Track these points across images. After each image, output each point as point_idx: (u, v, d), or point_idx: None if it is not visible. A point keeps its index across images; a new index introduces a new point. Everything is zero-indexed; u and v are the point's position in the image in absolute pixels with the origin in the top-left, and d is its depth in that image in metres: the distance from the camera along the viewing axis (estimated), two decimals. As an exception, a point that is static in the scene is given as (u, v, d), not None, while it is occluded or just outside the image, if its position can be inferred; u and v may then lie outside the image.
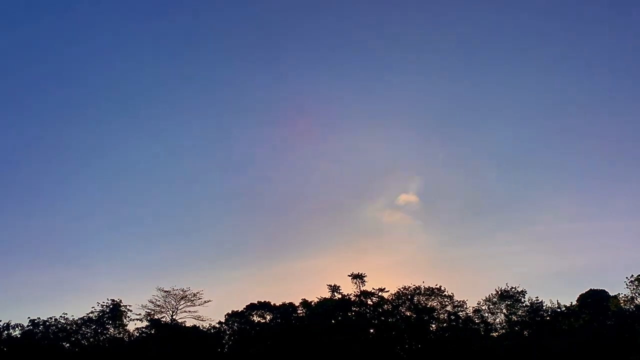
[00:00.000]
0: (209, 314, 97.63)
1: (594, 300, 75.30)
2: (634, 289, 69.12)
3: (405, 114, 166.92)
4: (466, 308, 79.69)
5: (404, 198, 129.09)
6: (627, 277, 70.12)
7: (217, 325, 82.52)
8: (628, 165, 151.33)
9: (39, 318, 60.31)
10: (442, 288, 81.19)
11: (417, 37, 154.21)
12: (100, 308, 70.88)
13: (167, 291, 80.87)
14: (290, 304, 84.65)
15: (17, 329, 53.82)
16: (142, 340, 70.74)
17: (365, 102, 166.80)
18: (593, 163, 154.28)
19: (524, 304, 77.75)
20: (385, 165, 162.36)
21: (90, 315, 69.99)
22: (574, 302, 78.10)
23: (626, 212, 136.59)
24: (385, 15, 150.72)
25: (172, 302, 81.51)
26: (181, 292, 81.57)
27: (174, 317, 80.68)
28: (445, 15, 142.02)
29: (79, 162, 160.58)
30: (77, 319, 69.60)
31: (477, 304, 79.73)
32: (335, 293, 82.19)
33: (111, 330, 70.48)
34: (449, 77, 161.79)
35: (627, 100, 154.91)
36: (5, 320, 57.27)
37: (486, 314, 79.04)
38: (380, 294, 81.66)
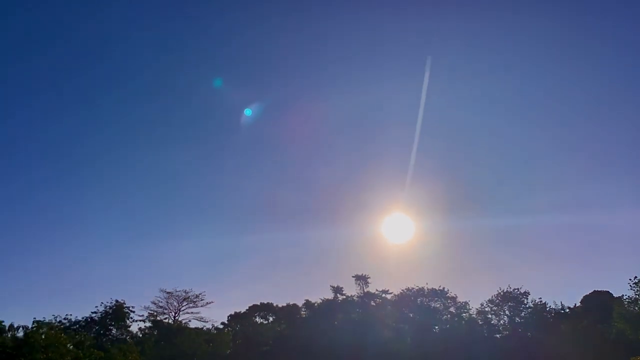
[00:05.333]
0: (212, 315, 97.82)
1: (598, 302, 75.15)
2: (638, 290, 68.63)
3: (408, 116, 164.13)
4: (469, 309, 79.68)
5: (405, 198, 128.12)
6: (630, 279, 69.71)
7: (220, 327, 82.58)
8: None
9: (43, 319, 60.49)
10: (446, 289, 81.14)
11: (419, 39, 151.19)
12: (104, 309, 71.04)
13: (169, 292, 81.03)
14: (294, 305, 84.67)
15: (20, 330, 53.88)
16: (144, 341, 70.57)
17: (372, 102, 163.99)
18: (597, 160, 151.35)
19: (527, 306, 77.66)
20: (387, 165, 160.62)
21: (94, 316, 70.21)
22: (578, 304, 78.04)
23: (630, 212, 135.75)
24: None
25: (175, 303, 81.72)
26: (184, 293, 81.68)
27: (176, 318, 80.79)
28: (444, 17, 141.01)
29: (80, 161, 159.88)
30: (80, 319, 69.81)
31: (481, 305, 79.67)
32: (338, 294, 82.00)
33: (114, 331, 70.53)
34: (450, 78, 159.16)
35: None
36: (9, 321, 57.35)
37: (489, 316, 78.98)
38: (383, 295, 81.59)
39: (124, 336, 71.27)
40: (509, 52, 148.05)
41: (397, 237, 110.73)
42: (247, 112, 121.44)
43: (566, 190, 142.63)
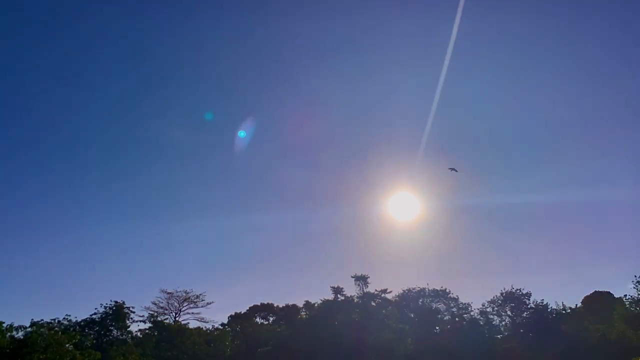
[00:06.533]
0: (212, 315, 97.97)
1: (599, 302, 74.91)
2: (640, 290, 68.32)
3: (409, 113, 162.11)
4: (471, 310, 79.56)
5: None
6: (635, 276, 69.33)
7: (220, 327, 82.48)
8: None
9: (42, 320, 60.61)
10: (447, 290, 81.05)
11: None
12: (103, 310, 70.73)
13: (170, 292, 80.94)
14: (294, 305, 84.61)
15: (19, 330, 53.68)
16: (145, 342, 70.51)
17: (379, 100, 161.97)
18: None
19: (529, 306, 77.54)
20: (389, 162, 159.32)
21: (94, 317, 69.91)
22: (579, 304, 77.80)
23: (632, 211, 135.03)
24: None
25: (175, 303, 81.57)
26: (184, 294, 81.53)
27: (177, 318, 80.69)
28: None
29: (80, 162, 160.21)
30: (80, 320, 69.59)
31: (482, 305, 79.61)
32: (338, 295, 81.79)
33: (114, 332, 70.31)
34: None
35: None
36: (8, 322, 57.32)
37: (491, 316, 78.89)
38: (383, 295, 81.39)
39: (124, 337, 71.06)
40: (522, 32, 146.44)
41: (403, 217, 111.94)
42: (241, 133, 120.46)
43: (572, 167, 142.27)
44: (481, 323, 78.41)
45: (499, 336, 77.84)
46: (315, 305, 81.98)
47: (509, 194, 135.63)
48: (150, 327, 74.82)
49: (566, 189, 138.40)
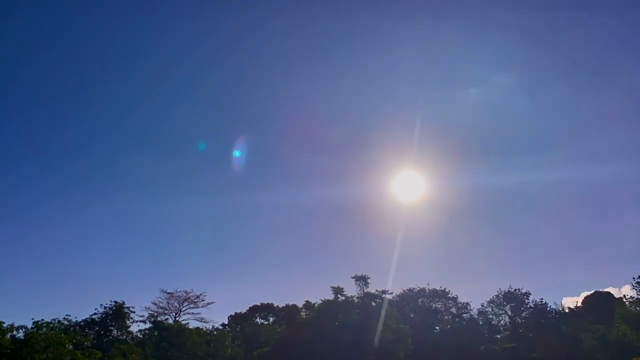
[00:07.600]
0: (212, 315, 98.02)
1: (599, 302, 75.06)
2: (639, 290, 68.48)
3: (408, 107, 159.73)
4: (470, 310, 79.67)
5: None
6: (633, 279, 69.56)
7: (220, 327, 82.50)
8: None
9: (42, 320, 60.32)
10: (447, 290, 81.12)
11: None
12: (104, 310, 70.80)
13: (170, 293, 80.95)
14: (294, 305, 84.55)
15: (20, 330, 53.59)
16: (145, 342, 70.44)
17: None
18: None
19: (528, 306, 77.65)
20: (392, 142, 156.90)
21: (94, 317, 69.97)
22: (579, 304, 77.93)
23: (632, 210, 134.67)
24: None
25: (175, 304, 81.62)
26: (184, 294, 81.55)
27: (177, 318, 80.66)
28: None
29: (80, 162, 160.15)
30: (80, 320, 69.58)
31: (482, 305, 79.77)
32: (338, 295, 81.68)
33: (114, 332, 70.33)
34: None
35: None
36: (9, 322, 57.15)
37: (490, 316, 79.01)
38: (384, 296, 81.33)
39: (125, 337, 71.06)
40: (524, 7, 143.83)
41: (406, 200, 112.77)
42: (237, 153, 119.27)
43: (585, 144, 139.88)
44: (481, 323, 78.54)
45: (498, 336, 77.91)
46: (315, 305, 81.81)
47: (515, 173, 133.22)
48: (150, 327, 74.82)
49: (578, 166, 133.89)
